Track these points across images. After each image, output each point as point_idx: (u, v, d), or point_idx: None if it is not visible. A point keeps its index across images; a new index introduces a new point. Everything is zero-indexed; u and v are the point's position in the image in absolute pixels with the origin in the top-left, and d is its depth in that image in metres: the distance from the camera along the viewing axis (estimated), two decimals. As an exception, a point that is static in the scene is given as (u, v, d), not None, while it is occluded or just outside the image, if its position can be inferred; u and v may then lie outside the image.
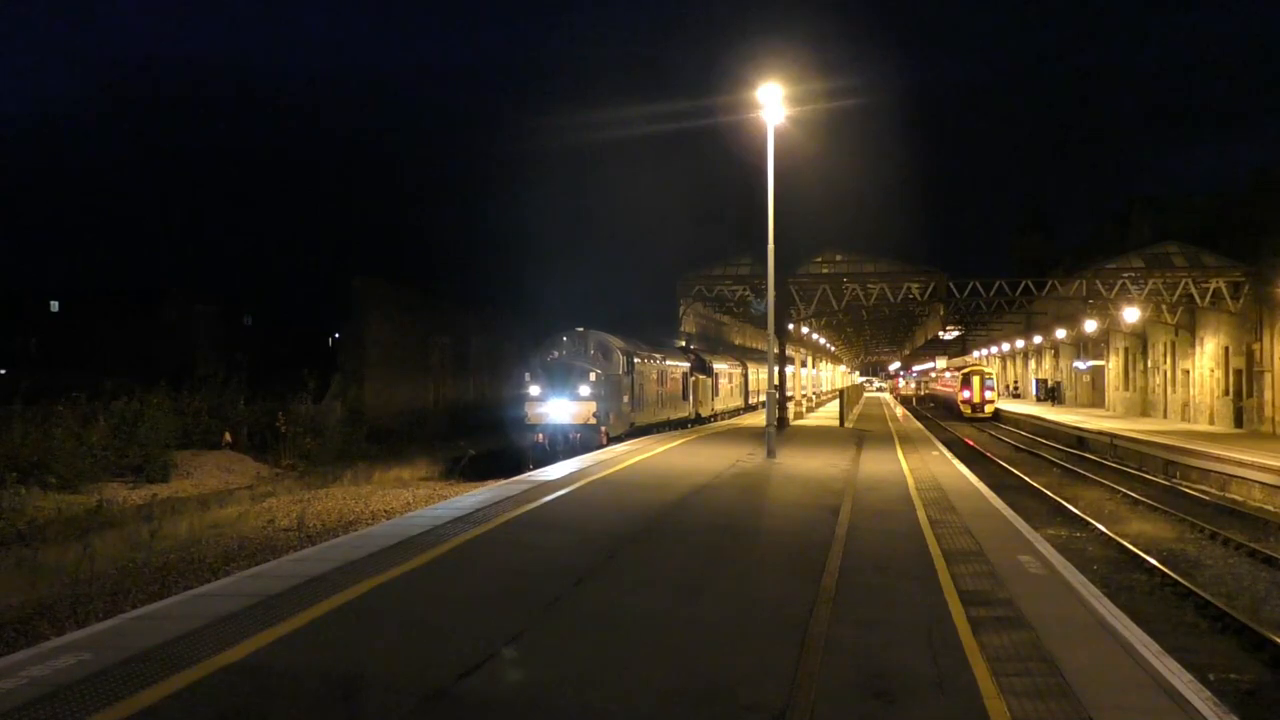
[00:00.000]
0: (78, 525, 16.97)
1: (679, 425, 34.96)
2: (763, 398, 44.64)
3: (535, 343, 31.43)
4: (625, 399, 29.04)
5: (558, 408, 26.68)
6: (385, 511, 19.30)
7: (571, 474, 17.65)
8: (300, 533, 17.08)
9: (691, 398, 37.84)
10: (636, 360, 30.35)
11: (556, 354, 28.69)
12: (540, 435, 26.74)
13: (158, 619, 7.32)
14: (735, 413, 46.35)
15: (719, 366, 43.82)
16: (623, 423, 28.66)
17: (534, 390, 27.26)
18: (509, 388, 32.91)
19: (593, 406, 26.65)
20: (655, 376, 32.99)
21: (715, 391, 42.60)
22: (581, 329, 29.57)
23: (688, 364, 37.87)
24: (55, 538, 15.82)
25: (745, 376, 50.02)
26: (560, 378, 27.08)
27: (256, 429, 30.14)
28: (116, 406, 24.89)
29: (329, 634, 6.98)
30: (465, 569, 9.46)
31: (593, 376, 27.16)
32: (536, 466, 21.24)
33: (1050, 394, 69.63)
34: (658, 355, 33.77)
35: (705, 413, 39.84)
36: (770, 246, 23.08)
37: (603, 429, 26.74)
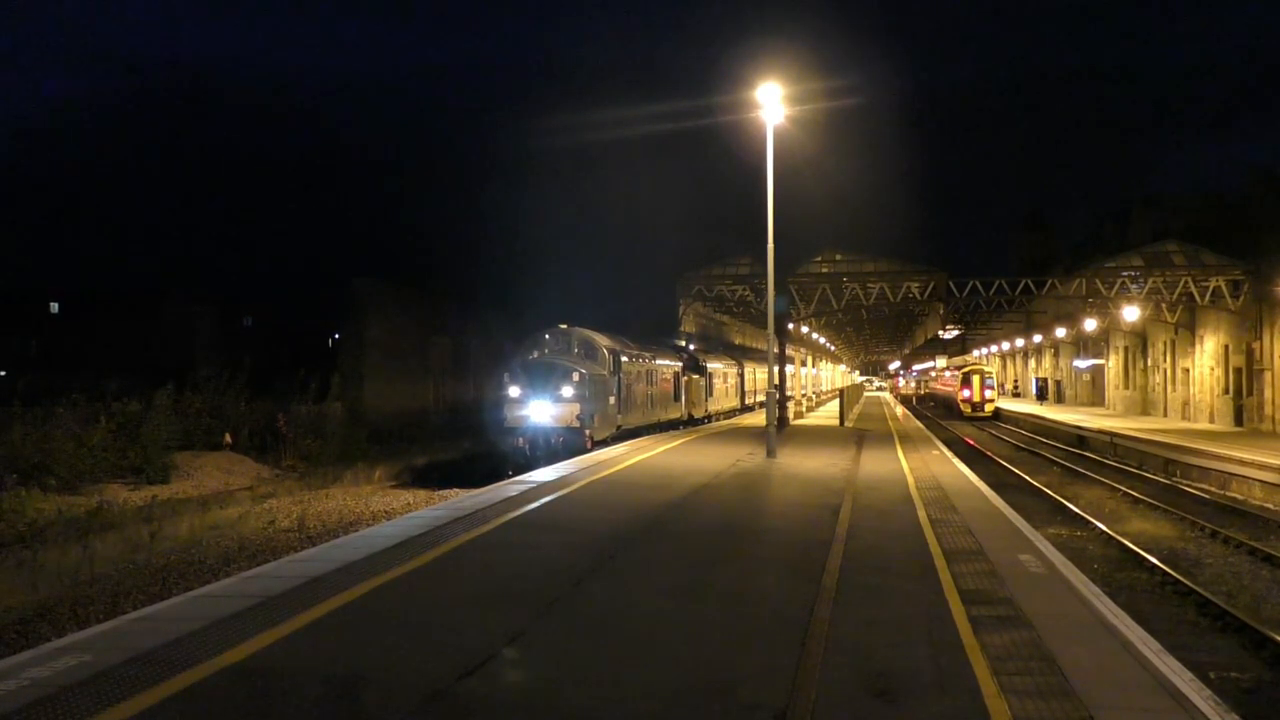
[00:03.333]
0: (78, 526, 16.97)
1: (670, 427, 34.02)
2: (760, 398, 44.61)
3: (516, 341, 29.93)
4: (611, 400, 27.79)
5: (539, 409, 25.27)
6: (385, 512, 19.30)
7: (570, 474, 17.64)
8: (301, 533, 17.09)
9: (684, 398, 37.00)
10: (624, 359, 29.09)
11: (538, 353, 27.33)
12: (521, 439, 25.38)
13: (158, 620, 7.32)
14: (731, 413, 45.88)
15: (713, 366, 43.11)
16: (609, 425, 27.49)
17: (513, 391, 25.74)
18: (497, 388, 32.34)
19: (576, 408, 25.34)
20: (644, 376, 31.84)
21: (709, 392, 41.83)
22: (565, 326, 28.11)
23: (680, 363, 36.98)
24: (56, 539, 15.82)
25: (741, 376, 49.35)
26: (542, 378, 25.67)
27: (257, 430, 30.13)
28: (117, 407, 24.88)
29: (330, 635, 6.98)
30: (465, 569, 9.46)
31: (576, 376, 25.80)
32: (516, 472, 20.21)
33: (1042, 393, 69.71)
34: (647, 354, 32.57)
35: (698, 414, 39.06)
36: (770, 246, 23.08)
37: (587, 432, 25.44)
